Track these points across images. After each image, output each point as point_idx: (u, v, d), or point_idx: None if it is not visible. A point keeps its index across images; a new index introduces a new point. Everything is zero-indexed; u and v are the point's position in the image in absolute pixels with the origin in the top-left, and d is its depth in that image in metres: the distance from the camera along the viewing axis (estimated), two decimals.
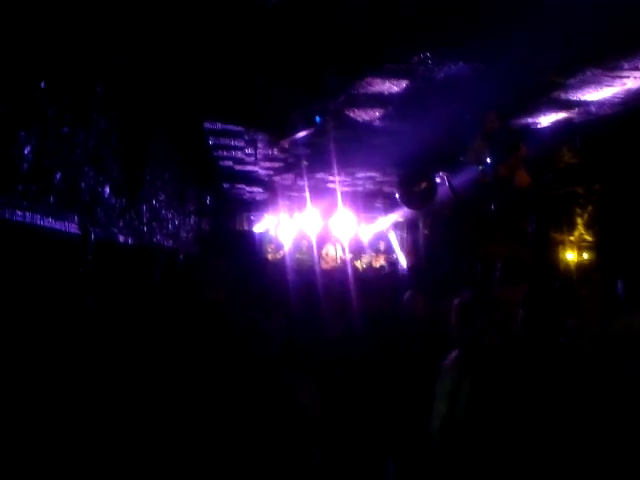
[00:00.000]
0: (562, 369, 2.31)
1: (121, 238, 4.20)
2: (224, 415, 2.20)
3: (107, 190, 3.85)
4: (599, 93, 5.43)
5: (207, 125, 6.90)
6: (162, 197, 6.22)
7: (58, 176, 2.86)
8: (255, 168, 9.62)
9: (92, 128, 3.43)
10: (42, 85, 2.58)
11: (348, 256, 11.69)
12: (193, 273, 2.66)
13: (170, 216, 6.93)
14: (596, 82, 5.16)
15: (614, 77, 5.00)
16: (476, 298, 2.72)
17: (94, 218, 3.57)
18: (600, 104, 5.77)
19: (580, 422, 2.20)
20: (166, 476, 2.15)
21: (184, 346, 2.37)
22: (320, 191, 11.31)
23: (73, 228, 3.08)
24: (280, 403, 2.29)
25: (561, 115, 6.24)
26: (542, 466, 2.16)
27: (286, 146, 7.93)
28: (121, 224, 4.30)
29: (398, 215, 12.43)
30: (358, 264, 11.64)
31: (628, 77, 4.97)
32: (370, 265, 11.69)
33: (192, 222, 9.27)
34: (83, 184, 3.31)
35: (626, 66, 4.72)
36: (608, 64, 4.72)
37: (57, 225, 2.83)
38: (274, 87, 5.69)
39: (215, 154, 8.51)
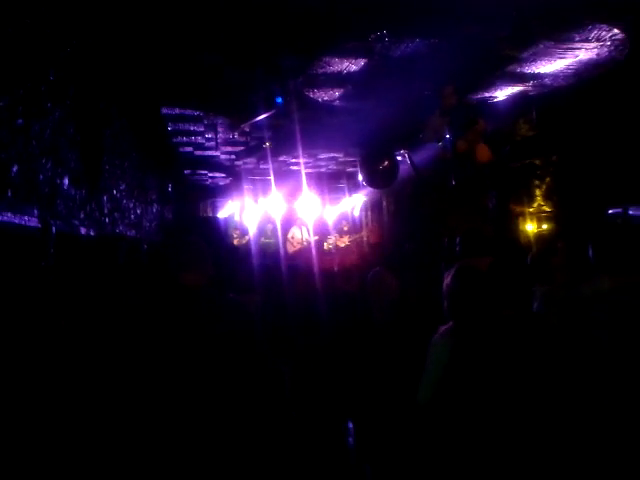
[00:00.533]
0: (531, 338, 2.38)
1: (82, 230, 4.12)
2: (209, 392, 2.25)
3: (66, 182, 3.76)
4: (552, 65, 5.56)
5: (165, 110, 6.77)
6: (122, 186, 6.10)
7: (15, 169, 2.78)
8: (216, 153, 9.52)
9: (47, 118, 3.33)
10: None
11: (313, 238, 11.72)
12: (169, 257, 2.59)
13: (132, 205, 6.81)
14: (549, 55, 5.28)
15: (566, 49, 5.12)
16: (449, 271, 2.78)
17: (54, 211, 3.48)
18: (554, 76, 5.90)
19: (552, 388, 2.28)
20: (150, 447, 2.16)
21: (154, 333, 2.35)
22: (283, 174, 11.28)
23: (33, 222, 3.00)
24: (261, 379, 2.33)
25: (517, 89, 6.37)
26: (516, 433, 2.24)
27: (247, 129, 7.86)
28: (82, 216, 4.22)
29: (362, 194, 12.51)
30: (325, 246, 11.69)
31: (580, 49, 5.10)
32: (336, 246, 11.76)
33: (155, 211, 9.13)
34: (41, 176, 3.23)
35: (577, 38, 4.84)
36: (560, 36, 4.82)
37: (16, 219, 2.76)
38: (231, 69, 5.62)
39: (175, 140, 8.37)
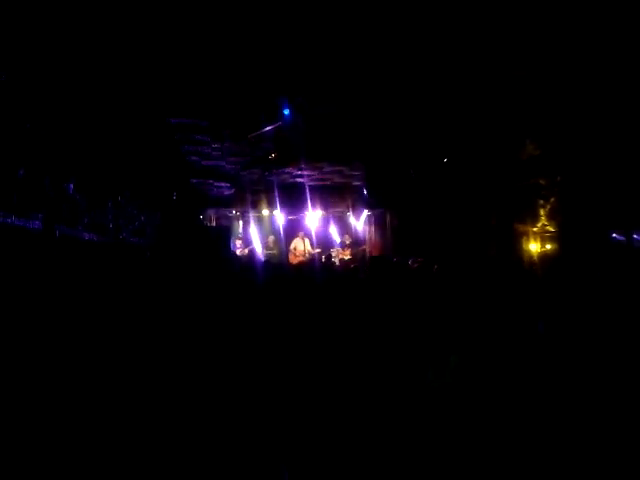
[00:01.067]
0: None
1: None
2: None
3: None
4: None
5: (173, 120, 6.82)
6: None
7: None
8: (222, 163, 9.55)
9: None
10: None
11: (316, 251, 11.69)
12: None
13: (136, 213, 6.86)
14: None
15: None
16: None
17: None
18: None
19: None
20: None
21: None
22: (288, 185, 11.30)
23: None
24: None
25: None
26: None
27: (253, 140, 7.90)
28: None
29: (365, 209, 12.52)
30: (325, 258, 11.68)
31: None
32: (339, 258, 11.74)
33: (159, 219, 9.14)
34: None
35: None
36: None
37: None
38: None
39: (182, 149, 8.41)
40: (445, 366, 2.74)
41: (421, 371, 2.81)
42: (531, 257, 7.57)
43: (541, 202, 7.75)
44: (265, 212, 12.28)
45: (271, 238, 12.10)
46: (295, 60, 5.26)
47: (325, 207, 12.46)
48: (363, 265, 8.30)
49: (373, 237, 12.91)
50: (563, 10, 4.50)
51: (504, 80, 5.70)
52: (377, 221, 12.77)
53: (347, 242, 12.18)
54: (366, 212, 12.74)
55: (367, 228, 13.22)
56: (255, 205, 12.06)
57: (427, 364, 2.82)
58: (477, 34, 4.80)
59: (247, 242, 12.14)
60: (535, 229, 7.95)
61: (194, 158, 9.06)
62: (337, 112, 6.83)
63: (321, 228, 12.71)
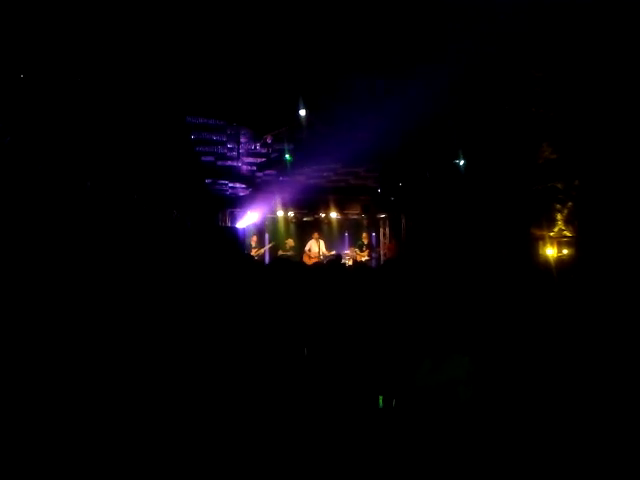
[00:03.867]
0: None
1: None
2: None
3: None
4: None
5: (189, 119, 6.87)
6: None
7: None
8: (237, 163, 9.59)
9: None
10: None
11: (331, 253, 11.68)
12: None
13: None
14: None
15: None
16: None
17: None
18: None
19: None
20: None
21: None
22: (303, 187, 11.31)
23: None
24: None
25: None
26: None
27: (269, 141, 7.93)
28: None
29: (381, 211, 12.49)
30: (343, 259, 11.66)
31: None
32: (354, 260, 11.73)
33: (174, 218, 9.21)
34: None
35: None
36: None
37: None
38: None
39: (197, 149, 8.46)
40: (441, 364, 2.73)
41: (414, 368, 2.82)
42: (547, 262, 7.48)
43: (558, 206, 7.66)
44: (280, 213, 12.31)
45: (289, 241, 12.14)
46: (312, 60, 5.27)
47: (340, 209, 12.45)
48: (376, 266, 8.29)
49: (388, 240, 12.88)
50: (586, 10, 4.45)
51: (522, 82, 5.65)
52: (392, 224, 12.74)
53: (365, 244, 12.16)
54: (381, 214, 12.72)
55: (382, 231, 13.20)
56: (270, 206, 12.09)
57: (422, 361, 2.83)
58: (495, 33, 4.76)
59: (262, 243, 12.19)
60: (552, 234, 7.85)
61: (209, 159, 9.11)
62: (354, 113, 6.83)
63: (336, 230, 12.72)
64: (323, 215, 12.71)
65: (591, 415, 2.36)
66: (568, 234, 7.59)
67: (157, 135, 6.81)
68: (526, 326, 3.00)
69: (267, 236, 12.56)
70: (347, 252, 12.09)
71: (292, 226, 12.86)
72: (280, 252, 11.90)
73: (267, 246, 11.81)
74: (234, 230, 12.88)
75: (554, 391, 2.50)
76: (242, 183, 11.22)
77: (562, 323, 3.60)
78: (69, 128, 3.37)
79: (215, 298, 3.28)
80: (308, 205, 12.26)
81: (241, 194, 12.40)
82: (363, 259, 11.67)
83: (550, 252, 7.83)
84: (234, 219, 13.47)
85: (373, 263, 11.64)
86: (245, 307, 3.13)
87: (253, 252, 11.27)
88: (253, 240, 11.77)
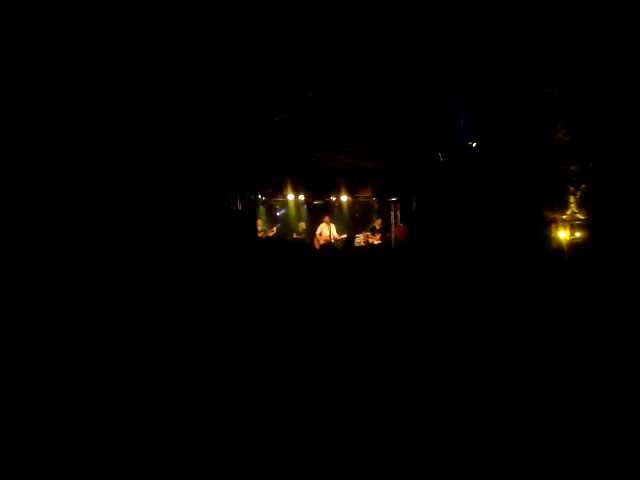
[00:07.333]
0: None
1: None
2: None
3: None
4: None
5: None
6: None
7: None
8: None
9: None
10: None
11: (342, 236, 11.69)
12: None
13: None
14: None
15: None
16: None
17: None
18: None
19: None
20: None
21: None
22: (314, 170, 11.28)
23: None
24: None
25: None
26: None
27: (280, 124, 7.90)
28: None
29: (392, 194, 12.45)
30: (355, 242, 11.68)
31: None
32: (367, 243, 11.72)
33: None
34: None
35: None
36: None
37: None
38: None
39: None
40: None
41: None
42: (560, 244, 7.44)
43: (571, 189, 7.58)
44: (290, 197, 12.32)
45: (301, 224, 12.18)
46: (323, 42, 5.23)
47: (351, 192, 12.42)
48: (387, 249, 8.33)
49: (399, 223, 12.85)
50: None
51: (536, 62, 5.58)
52: (403, 207, 12.70)
53: (377, 227, 12.14)
54: (393, 198, 12.68)
55: (393, 214, 13.17)
56: (281, 190, 12.10)
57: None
58: (508, 14, 4.70)
59: (272, 225, 12.26)
60: (565, 216, 7.79)
61: None
62: (363, 95, 6.79)
63: (348, 213, 12.71)
64: (334, 198, 12.71)
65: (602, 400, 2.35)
66: (581, 217, 7.52)
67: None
68: (537, 309, 3.00)
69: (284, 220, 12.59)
70: (359, 236, 12.10)
71: (302, 209, 12.88)
72: (294, 235, 11.95)
73: (274, 229, 11.84)
74: (245, 213, 12.92)
75: (564, 371, 2.50)
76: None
77: (574, 304, 3.60)
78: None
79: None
80: (319, 188, 12.25)
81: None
82: (375, 242, 11.67)
83: (563, 235, 7.77)
84: (245, 202, 13.48)
85: (385, 246, 11.64)
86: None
87: (260, 235, 11.32)
88: (258, 224, 11.83)
